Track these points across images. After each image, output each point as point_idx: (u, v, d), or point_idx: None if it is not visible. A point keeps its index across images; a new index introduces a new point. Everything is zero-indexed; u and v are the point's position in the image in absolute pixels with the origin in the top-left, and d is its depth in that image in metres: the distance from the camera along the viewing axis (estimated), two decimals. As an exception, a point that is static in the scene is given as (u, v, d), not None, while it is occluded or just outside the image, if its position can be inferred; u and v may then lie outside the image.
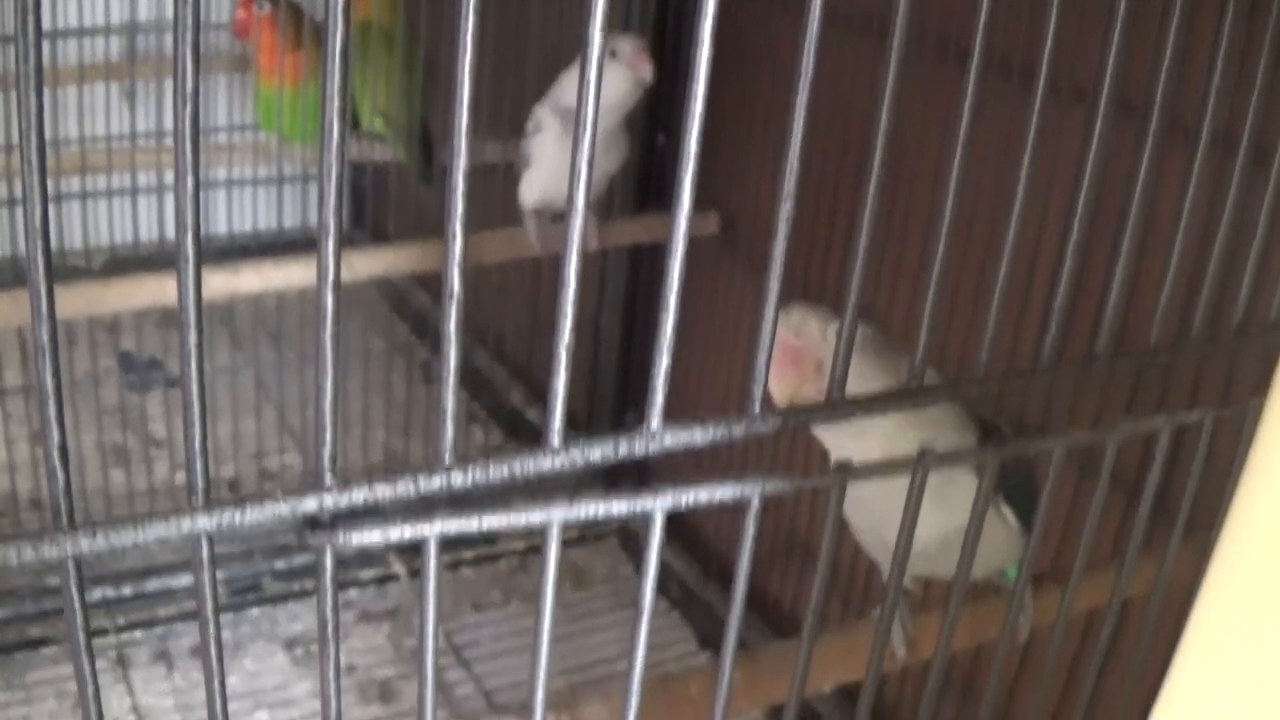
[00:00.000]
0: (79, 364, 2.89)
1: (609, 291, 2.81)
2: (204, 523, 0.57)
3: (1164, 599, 1.04)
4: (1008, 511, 1.23)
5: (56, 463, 0.55)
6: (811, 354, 1.14)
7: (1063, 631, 1.01)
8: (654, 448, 0.64)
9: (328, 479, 0.58)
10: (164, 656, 2.47)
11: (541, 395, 2.99)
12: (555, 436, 0.62)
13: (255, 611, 2.60)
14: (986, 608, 1.30)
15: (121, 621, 2.51)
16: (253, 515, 0.57)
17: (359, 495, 0.59)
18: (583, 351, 2.78)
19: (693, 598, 2.67)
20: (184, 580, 2.60)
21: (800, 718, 0.86)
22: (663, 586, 2.69)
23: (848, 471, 0.74)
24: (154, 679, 2.41)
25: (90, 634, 0.60)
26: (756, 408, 0.67)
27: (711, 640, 2.57)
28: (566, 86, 2.22)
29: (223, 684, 0.63)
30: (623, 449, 0.64)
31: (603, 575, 2.77)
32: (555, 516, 0.63)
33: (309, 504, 0.58)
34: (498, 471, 0.61)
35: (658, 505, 0.65)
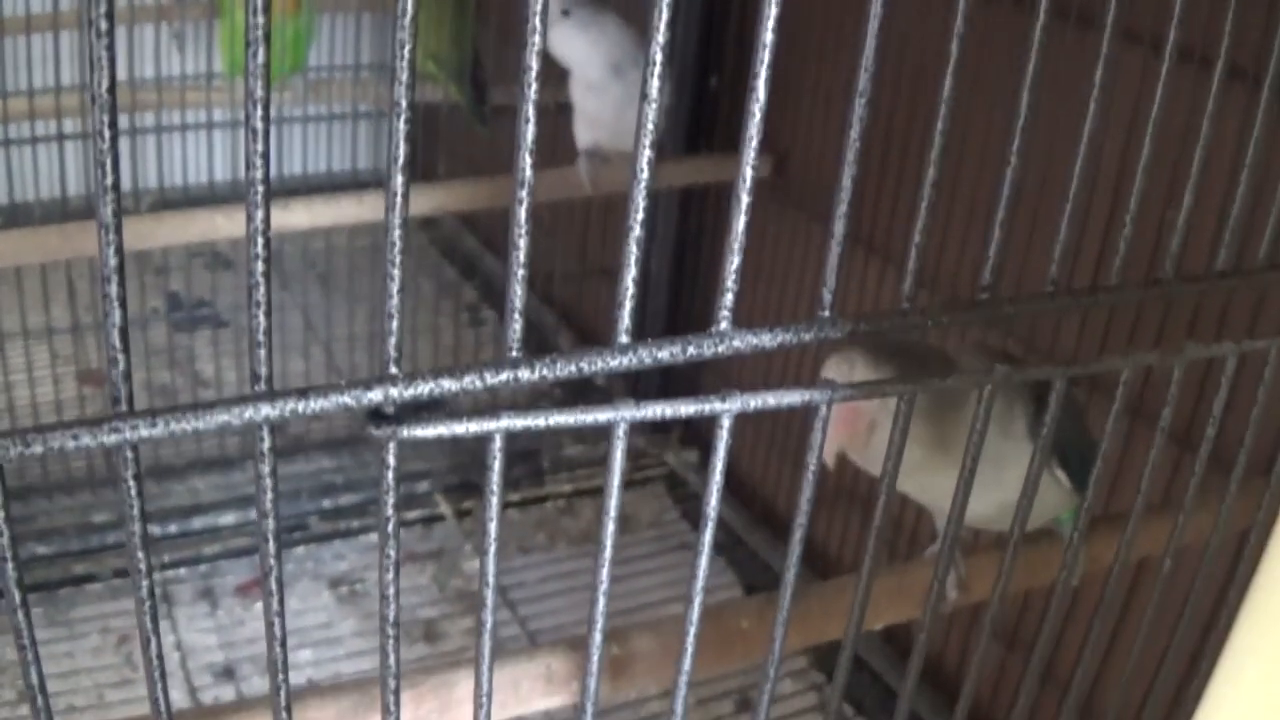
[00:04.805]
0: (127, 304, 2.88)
1: (659, 234, 2.80)
2: (266, 411, 0.56)
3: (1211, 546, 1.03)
4: (1061, 475, 1.22)
5: (117, 346, 0.54)
6: (867, 414, 1.12)
7: (1118, 579, 1.00)
8: (723, 349, 0.63)
9: (393, 369, 0.57)
10: (208, 594, 2.47)
11: (590, 339, 2.99)
12: (623, 334, 0.61)
13: (301, 550, 2.59)
14: (1037, 552, 1.29)
15: (165, 559, 2.52)
16: (316, 404, 0.56)
17: (424, 387, 0.57)
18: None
19: (738, 543, 2.66)
20: (228, 518, 2.61)
21: (851, 656, 0.85)
22: (707, 531, 2.68)
23: (919, 381, 0.72)
24: (197, 616, 2.42)
25: (147, 527, 0.59)
26: (826, 311, 0.66)
27: (755, 586, 2.56)
28: None
29: (280, 582, 0.62)
30: (691, 350, 0.63)
31: (648, 520, 2.76)
32: (622, 416, 0.61)
33: (374, 395, 0.57)
34: (565, 368, 0.60)
35: (726, 408, 0.64)
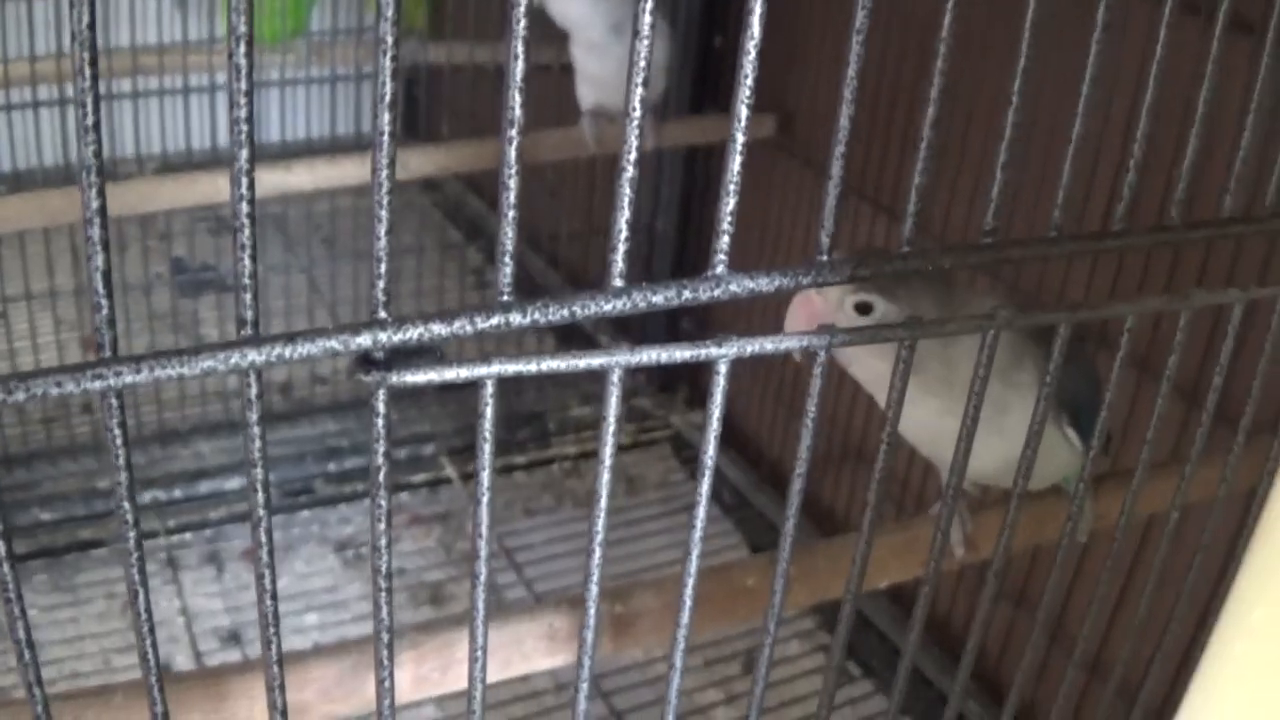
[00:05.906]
0: (131, 270, 2.87)
1: (664, 195, 2.79)
2: (253, 356, 0.55)
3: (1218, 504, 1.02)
4: (1072, 433, 1.21)
5: (100, 291, 0.53)
6: (826, 317, 1.11)
7: (1125, 534, 0.99)
8: (719, 293, 0.62)
9: (382, 313, 0.56)
10: (214, 559, 2.47)
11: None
12: (617, 278, 0.60)
13: (306, 514, 2.59)
14: (1045, 508, 1.28)
15: (172, 524, 2.51)
16: (303, 349, 0.55)
17: (414, 332, 0.56)
18: (637, 256, 2.76)
19: (744, 504, 2.66)
20: (234, 483, 2.60)
21: (854, 609, 0.84)
22: (715, 493, 2.67)
23: (918, 327, 0.71)
24: (203, 581, 2.41)
25: (134, 476, 0.58)
26: (825, 255, 0.64)
27: (762, 547, 2.55)
28: None
29: (269, 533, 0.61)
30: (687, 293, 0.61)
31: (655, 482, 2.75)
32: (616, 360, 0.60)
33: (363, 339, 0.56)
34: (558, 312, 0.59)
35: (722, 353, 0.63)
